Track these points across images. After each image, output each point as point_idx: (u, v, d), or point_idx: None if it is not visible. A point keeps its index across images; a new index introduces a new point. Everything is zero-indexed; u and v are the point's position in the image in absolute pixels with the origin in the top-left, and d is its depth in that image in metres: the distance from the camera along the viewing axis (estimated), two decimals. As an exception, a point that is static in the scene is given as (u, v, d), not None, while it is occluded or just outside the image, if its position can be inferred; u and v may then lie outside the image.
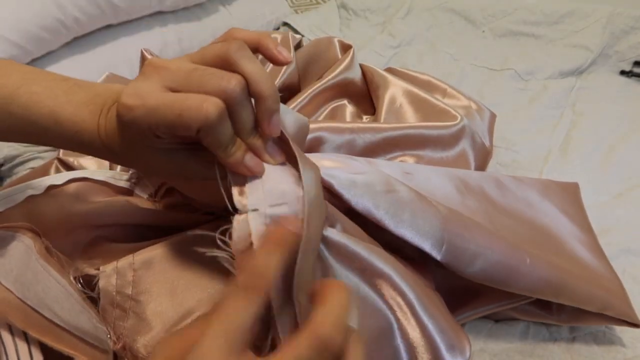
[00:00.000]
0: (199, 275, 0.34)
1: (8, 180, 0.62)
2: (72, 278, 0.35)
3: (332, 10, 1.14)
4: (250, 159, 0.26)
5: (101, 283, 0.34)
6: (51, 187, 0.40)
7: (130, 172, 0.48)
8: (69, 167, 0.54)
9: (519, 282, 0.39)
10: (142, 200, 0.45)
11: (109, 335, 0.32)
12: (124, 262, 0.34)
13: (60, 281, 0.34)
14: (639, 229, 0.57)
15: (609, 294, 0.43)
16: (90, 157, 0.54)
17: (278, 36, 0.73)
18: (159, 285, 0.33)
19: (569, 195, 0.56)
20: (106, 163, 0.53)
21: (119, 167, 0.49)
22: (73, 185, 0.41)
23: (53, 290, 0.34)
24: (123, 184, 0.45)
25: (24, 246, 0.35)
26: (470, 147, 0.59)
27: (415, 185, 0.39)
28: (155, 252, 0.35)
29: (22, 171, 0.61)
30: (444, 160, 0.56)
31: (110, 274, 0.34)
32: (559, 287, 0.40)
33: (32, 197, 0.39)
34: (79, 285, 0.35)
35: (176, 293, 0.33)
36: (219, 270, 0.32)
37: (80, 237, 0.41)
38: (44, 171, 0.54)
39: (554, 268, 0.41)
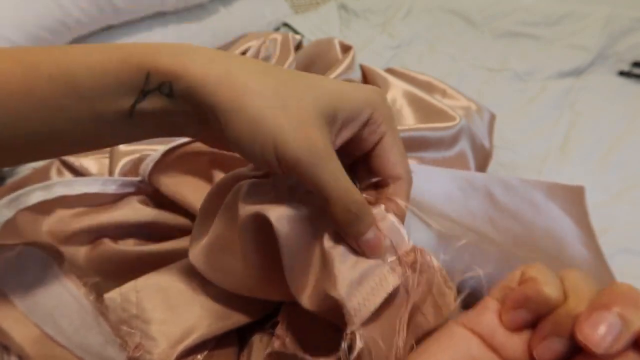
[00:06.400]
0: (199, 293, 0.34)
1: (10, 180, 0.62)
2: (87, 290, 0.36)
3: (332, 11, 1.14)
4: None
5: (107, 302, 0.34)
6: (64, 197, 0.41)
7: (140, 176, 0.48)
8: (70, 168, 0.54)
9: None
10: (141, 200, 0.46)
11: (125, 345, 0.33)
12: (127, 287, 0.34)
13: (76, 295, 0.35)
14: (638, 229, 0.58)
15: None
16: (91, 156, 0.54)
17: (278, 37, 0.73)
18: (162, 303, 0.34)
19: (574, 198, 0.56)
20: (106, 163, 0.53)
21: (117, 171, 0.49)
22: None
23: (66, 305, 0.34)
24: (114, 189, 0.45)
25: (41, 261, 0.35)
26: (470, 148, 0.59)
27: (417, 185, 0.39)
28: (158, 275, 0.36)
29: (23, 171, 0.62)
30: (446, 159, 0.57)
31: (114, 296, 0.34)
32: None
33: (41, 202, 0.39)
34: (92, 298, 0.36)
35: (179, 311, 0.33)
36: (217, 288, 0.33)
37: (82, 241, 0.42)
38: (44, 172, 0.54)
39: None
